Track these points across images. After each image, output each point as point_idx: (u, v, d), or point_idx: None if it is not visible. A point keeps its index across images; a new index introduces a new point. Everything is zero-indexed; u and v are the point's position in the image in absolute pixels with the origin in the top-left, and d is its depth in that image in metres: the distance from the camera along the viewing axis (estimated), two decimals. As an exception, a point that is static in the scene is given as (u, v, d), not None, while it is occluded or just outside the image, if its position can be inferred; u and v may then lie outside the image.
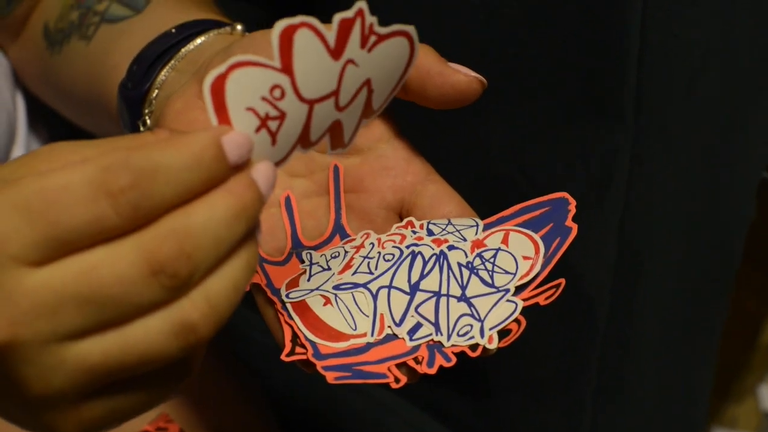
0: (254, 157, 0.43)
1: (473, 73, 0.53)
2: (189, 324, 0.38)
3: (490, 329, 0.51)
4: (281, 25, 0.42)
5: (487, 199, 0.59)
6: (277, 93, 0.43)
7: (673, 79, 0.68)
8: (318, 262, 0.54)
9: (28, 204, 0.37)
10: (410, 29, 0.46)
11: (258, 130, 0.43)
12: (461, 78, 0.52)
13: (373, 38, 0.45)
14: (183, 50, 0.61)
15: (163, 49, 0.61)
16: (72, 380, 0.38)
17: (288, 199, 0.56)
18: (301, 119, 0.44)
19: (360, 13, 0.44)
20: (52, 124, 0.79)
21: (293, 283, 0.53)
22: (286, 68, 0.43)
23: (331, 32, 0.43)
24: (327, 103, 0.45)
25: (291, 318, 0.52)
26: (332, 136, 0.47)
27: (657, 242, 0.74)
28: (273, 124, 0.43)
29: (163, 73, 0.60)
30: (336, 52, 0.44)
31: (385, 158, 0.55)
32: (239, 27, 0.62)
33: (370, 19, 0.45)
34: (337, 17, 0.43)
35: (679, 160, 0.71)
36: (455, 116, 0.59)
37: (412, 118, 0.57)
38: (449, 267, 0.53)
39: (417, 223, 0.54)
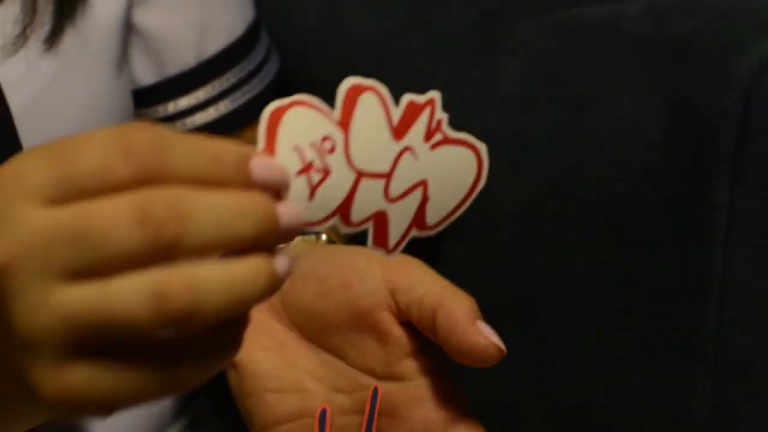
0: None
1: (494, 339, 0.53)
2: (163, 292, 0.38)
3: None
4: (350, 81, 0.42)
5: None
6: (327, 145, 0.41)
7: (757, 318, 0.65)
8: None
9: (52, 147, 0.40)
10: (481, 146, 0.45)
11: (298, 173, 0.41)
12: (480, 341, 0.53)
13: (438, 136, 0.44)
14: None
15: None
16: (51, 325, 0.38)
17: (323, 413, 0.56)
18: (345, 187, 0.43)
19: (431, 102, 0.43)
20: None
21: None
22: (344, 123, 0.42)
23: (397, 110, 0.43)
24: (376, 183, 0.43)
25: None
26: (376, 228, 0.44)
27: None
28: (315, 176, 0.42)
29: None
30: (397, 132, 0.43)
31: (423, 390, 0.56)
32: (324, 237, 0.64)
33: (441, 114, 0.44)
34: (407, 97, 0.43)
35: (763, 407, 0.67)
36: (520, 347, 0.58)
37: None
38: None
39: None
